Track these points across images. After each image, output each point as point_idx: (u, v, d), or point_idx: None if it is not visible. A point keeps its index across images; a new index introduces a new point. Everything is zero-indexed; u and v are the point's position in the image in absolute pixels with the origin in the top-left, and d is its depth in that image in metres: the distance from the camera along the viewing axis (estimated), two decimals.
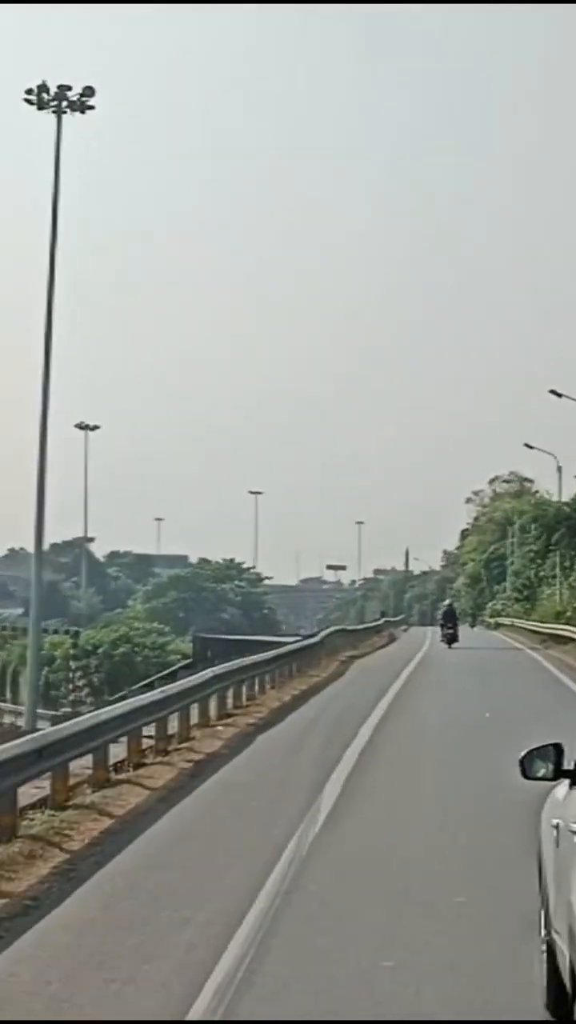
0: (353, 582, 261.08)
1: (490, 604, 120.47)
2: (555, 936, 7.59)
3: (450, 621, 62.33)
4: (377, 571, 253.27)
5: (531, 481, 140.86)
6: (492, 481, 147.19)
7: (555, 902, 7.59)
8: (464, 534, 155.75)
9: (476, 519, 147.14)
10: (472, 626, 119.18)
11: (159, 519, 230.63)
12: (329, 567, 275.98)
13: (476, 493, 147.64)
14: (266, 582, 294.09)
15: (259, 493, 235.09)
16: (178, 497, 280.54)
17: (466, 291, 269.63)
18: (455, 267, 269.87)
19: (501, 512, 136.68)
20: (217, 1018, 9.04)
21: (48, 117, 59.16)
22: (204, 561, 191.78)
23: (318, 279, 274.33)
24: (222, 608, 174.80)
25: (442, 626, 63.15)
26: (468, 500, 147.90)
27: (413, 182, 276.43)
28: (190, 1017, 9.02)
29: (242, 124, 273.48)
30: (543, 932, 8.45)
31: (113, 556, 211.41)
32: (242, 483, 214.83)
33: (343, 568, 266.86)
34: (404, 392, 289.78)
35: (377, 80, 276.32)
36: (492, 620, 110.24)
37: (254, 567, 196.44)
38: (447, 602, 71.87)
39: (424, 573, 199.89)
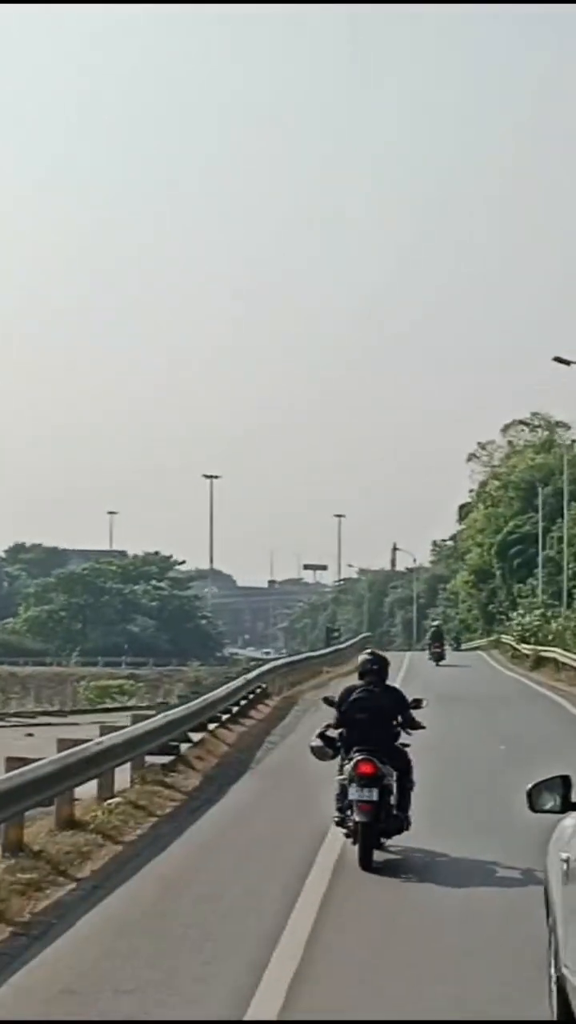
0: (337, 583, 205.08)
1: (516, 615, 64.22)
2: (565, 971, 7.15)
3: (437, 641, 58.02)
4: (364, 571, 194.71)
5: (566, 426, 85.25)
6: (507, 428, 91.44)
7: (565, 939, 7.15)
8: (464, 511, 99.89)
9: (483, 485, 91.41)
10: (456, 648, 65.95)
11: (112, 512, 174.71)
12: (307, 567, 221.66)
13: (484, 447, 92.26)
14: (237, 584, 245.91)
15: (215, 477, 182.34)
16: (141, 494, 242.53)
17: (462, 282, 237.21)
18: (446, 262, 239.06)
19: (523, 470, 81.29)
20: None
21: None
22: (121, 553, 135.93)
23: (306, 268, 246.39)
24: (131, 617, 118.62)
25: (429, 646, 58.52)
26: (472, 458, 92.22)
27: (412, 168, 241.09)
28: None
29: (240, 122, 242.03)
30: (552, 968, 7.63)
31: (17, 550, 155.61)
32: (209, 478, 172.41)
33: (323, 568, 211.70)
34: (390, 375, 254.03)
35: (371, 80, 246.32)
36: (529, 647, 54.11)
37: (184, 561, 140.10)
38: (436, 622, 67.90)
39: (409, 570, 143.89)
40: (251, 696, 28.73)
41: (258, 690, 30.16)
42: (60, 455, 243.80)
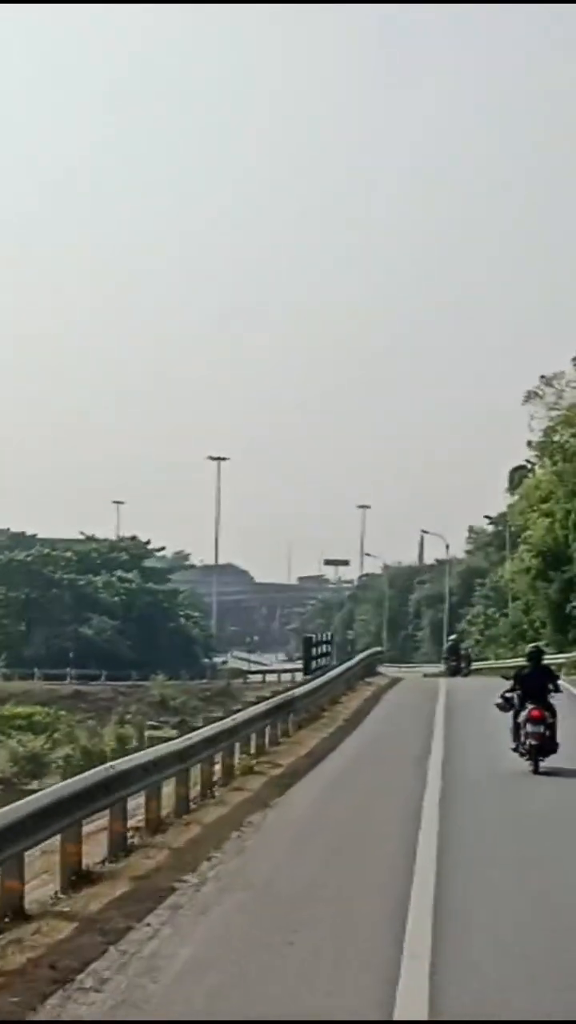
0: (361, 578, 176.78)
1: None
2: None
3: (454, 655, 56.83)
4: (388, 566, 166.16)
5: None
6: None
7: None
8: (518, 475, 70.51)
9: (550, 433, 61.89)
10: (461, 669, 54.97)
11: (118, 502, 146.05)
12: (327, 562, 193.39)
13: (549, 382, 62.75)
14: (255, 580, 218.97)
15: (222, 459, 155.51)
16: (156, 487, 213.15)
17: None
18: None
19: None
20: None
21: None
22: (89, 538, 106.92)
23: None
24: (85, 616, 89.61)
25: (446, 660, 58.00)
26: (532, 397, 62.80)
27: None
28: None
29: (252, 120, 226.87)
30: None
31: None
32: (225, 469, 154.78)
33: (345, 563, 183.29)
34: (417, 355, 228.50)
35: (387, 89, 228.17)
36: None
37: (163, 548, 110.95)
38: (452, 637, 64.26)
39: (440, 562, 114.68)
40: None
41: None
42: (68, 444, 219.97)
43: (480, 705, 25.98)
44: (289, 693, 23.60)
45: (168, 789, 15.69)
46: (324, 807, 15.40)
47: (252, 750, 20.71)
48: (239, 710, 19.50)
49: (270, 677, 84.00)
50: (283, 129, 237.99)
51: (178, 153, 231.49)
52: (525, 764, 19.03)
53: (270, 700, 21.72)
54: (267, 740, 21.85)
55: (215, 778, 17.73)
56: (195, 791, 16.85)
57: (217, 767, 18.36)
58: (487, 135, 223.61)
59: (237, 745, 19.58)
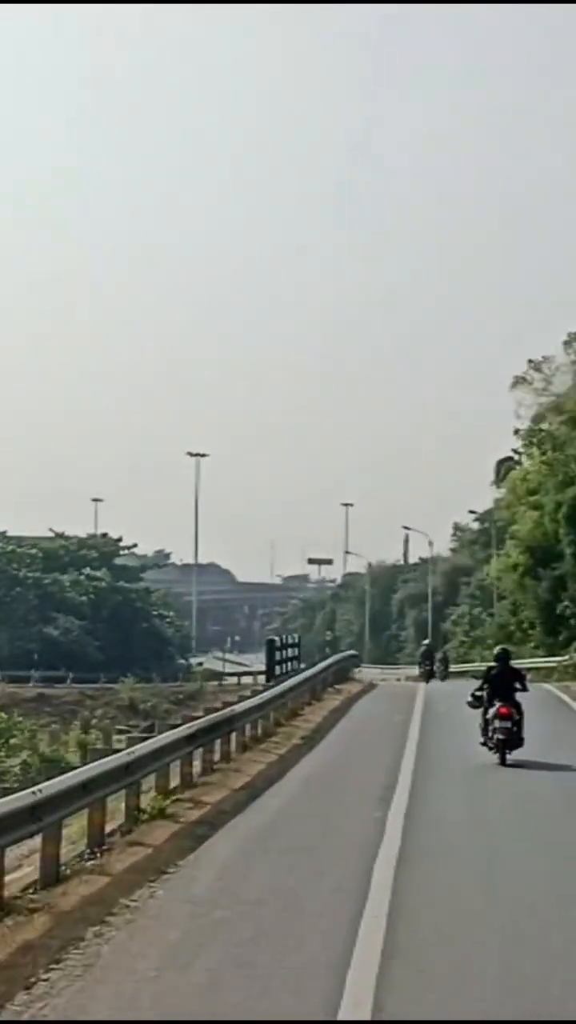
0: (344, 577, 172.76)
1: None
2: None
3: (427, 660, 55.22)
4: (373, 565, 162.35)
5: None
6: (574, 340, 58.04)
7: None
8: (505, 468, 66.39)
9: (539, 421, 57.88)
10: (436, 671, 53.21)
11: (97, 500, 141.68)
12: (311, 561, 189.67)
13: (538, 367, 58.68)
14: (237, 579, 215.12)
15: (202, 455, 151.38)
16: (141, 487, 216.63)
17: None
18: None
19: None
20: None
21: None
22: (59, 535, 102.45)
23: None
24: (50, 616, 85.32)
25: (420, 664, 57.20)
26: (520, 383, 58.73)
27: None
28: None
29: (244, 128, 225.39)
30: None
31: None
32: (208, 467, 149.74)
33: (328, 562, 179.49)
34: (402, 352, 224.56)
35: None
36: None
37: (135, 545, 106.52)
38: (426, 642, 60.42)
39: (423, 561, 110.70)
40: None
41: None
42: (48, 442, 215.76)
43: (460, 716, 22.15)
44: (229, 709, 19.46)
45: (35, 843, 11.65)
46: (239, 875, 11.26)
47: (176, 782, 16.61)
48: (147, 738, 15.27)
49: (247, 679, 79.79)
50: (281, 128, 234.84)
51: (176, 152, 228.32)
52: (493, 758, 20.08)
53: (197, 721, 17.54)
54: (198, 767, 17.75)
55: (112, 828, 13.62)
56: (80, 846, 12.77)
57: (122, 805, 14.29)
58: (486, 135, 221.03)
59: (153, 777, 15.49)
